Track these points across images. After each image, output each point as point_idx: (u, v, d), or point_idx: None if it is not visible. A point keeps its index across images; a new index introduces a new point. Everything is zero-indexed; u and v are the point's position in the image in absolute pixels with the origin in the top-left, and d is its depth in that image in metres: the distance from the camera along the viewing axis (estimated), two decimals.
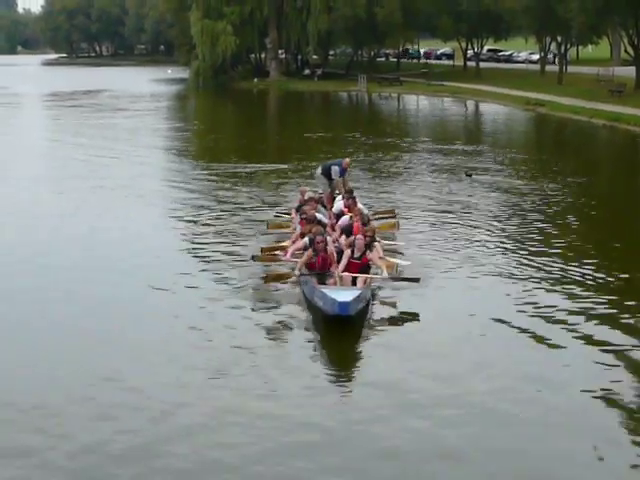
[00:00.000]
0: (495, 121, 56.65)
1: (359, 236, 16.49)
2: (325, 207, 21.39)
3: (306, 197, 21.13)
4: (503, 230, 21.82)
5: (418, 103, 72.39)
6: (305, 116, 64.78)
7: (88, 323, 14.99)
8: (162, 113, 64.13)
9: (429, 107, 68.36)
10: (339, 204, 21.02)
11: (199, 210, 24.78)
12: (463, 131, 51.24)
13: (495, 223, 22.61)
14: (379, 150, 38.78)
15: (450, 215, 23.61)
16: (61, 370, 13.04)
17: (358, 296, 14.65)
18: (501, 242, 20.52)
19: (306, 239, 16.99)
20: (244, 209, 24.66)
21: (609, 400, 11.82)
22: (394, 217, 21.86)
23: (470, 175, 30.50)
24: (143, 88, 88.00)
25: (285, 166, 32.82)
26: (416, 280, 16.23)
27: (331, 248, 16.80)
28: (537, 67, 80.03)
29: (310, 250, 16.60)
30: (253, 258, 17.63)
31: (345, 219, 19.37)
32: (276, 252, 17.97)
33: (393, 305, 16.05)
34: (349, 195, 20.87)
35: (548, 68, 75.25)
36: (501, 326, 14.67)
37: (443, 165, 33.68)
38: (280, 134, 50.35)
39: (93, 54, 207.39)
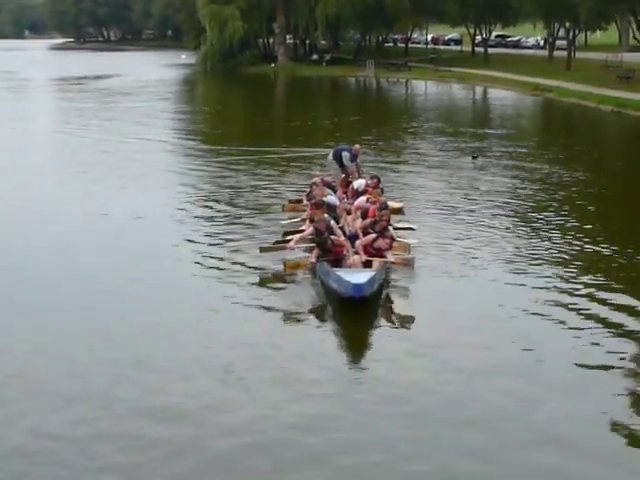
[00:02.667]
0: (503, 106, 56.72)
1: (387, 240, 16.72)
2: (334, 190, 21.65)
3: (313, 181, 21.48)
4: (512, 214, 22.09)
5: (426, 89, 72.44)
6: (314, 101, 64.91)
7: (106, 307, 15.28)
8: (172, 98, 64.21)
9: (437, 93, 68.43)
10: (361, 182, 21.31)
11: (214, 195, 24.97)
12: (471, 116, 51.42)
13: (505, 207, 22.88)
14: (388, 135, 39.05)
15: (458, 199, 23.90)
16: (83, 355, 13.36)
17: (372, 278, 14.96)
18: (512, 226, 20.80)
19: (312, 229, 17.26)
20: (258, 194, 24.91)
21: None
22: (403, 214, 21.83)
23: (476, 157, 30.87)
24: (152, 73, 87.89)
25: (296, 151, 32.97)
26: (410, 263, 16.72)
27: (338, 232, 17.15)
28: (545, 53, 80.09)
29: (310, 229, 17.14)
30: (260, 250, 17.84)
31: (362, 200, 19.64)
32: (291, 237, 18.15)
33: (407, 287, 16.37)
34: (374, 177, 21.12)
35: (556, 54, 75.24)
36: (517, 308, 14.90)
37: (451, 150, 33.92)
38: (290, 119, 50.39)
39: (100, 39, 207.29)
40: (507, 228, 20.63)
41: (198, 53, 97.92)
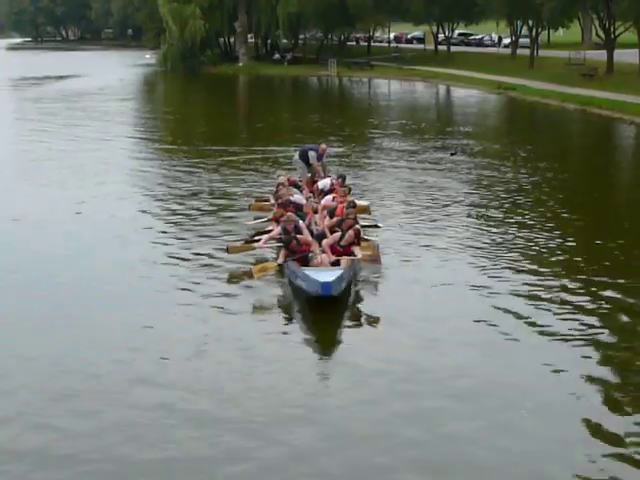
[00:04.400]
0: (466, 105, 56.88)
1: (350, 232, 16.80)
2: (300, 189, 21.74)
3: (279, 181, 21.57)
4: (480, 213, 22.22)
5: (389, 87, 72.54)
6: (276, 101, 64.92)
7: (66, 311, 15.29)
8: (133, 98, 63.94)
9: (400, 91, 68.54)
10: (326, 181, 21.44)
11: (177, 196, 24.93)
12: (435, 115, 51.61)
13: (472, 206, 23.05)
14: (352, 134, 39.18)
15: (425, 198, 24.05)
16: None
17: (340, 276, 15.04)
18: (480, 224, 20.96)
19: (279, 228, 17.37)
20: (223, 195, 24.95)
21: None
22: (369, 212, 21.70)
23: (454, 153, 31.21)
24: (113, 73, 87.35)
25: (260, 151, 33.06)
26: (377, 260, 16.83)
27: (305, 232, 17.27)
28: (508, 51, 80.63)
29: (279, 229, 17.24)
30: (227, 250, 17.86)
31: (329, 199, 19.75)
32: (259, 237, 18.20)
33: (376, 284, 16.54)
34: (340, 176, 21.24)
35: (519, 52, 75.77)
36: (488, 306, 15.10)
37: (416, 149, 34.10)
38: (253, 119, 50.29)
39: (59, 38, 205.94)
40: (475, 226, 20.79)
41: (158, 53, 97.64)
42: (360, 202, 20.80)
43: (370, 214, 21.21)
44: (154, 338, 13.92)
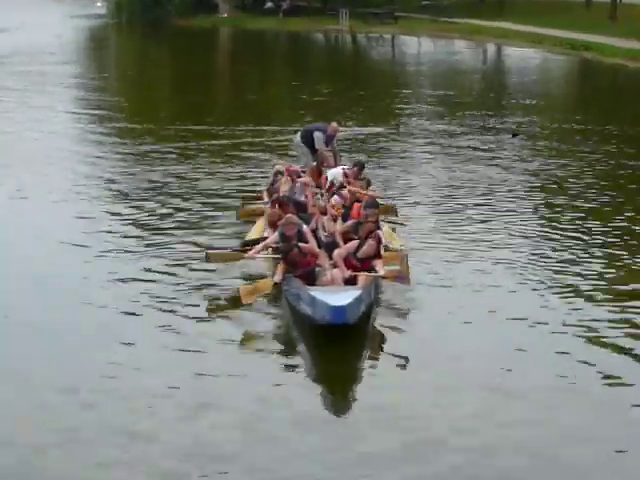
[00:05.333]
0: (525, 71, 56.89)
1: (370, 240, 16.86)
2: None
3: (276, 169, 21.67)
4: (543, 215, 22.53)
5: (419, 48, 72.63)
6: (270, 66, 64.96)
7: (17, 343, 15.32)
8: (78, 61, 64.02)
9: (434, 53, 68.67)
10: (338, 171, 21.59)
11: (141, 192, 25.11)
12: (482, 85, 51.69)
13: (532, 206, 23.31)
14: (372, 110, 39.31)
15: (470, 195, 24.32)
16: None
17: (357, 298, 15.03)
18: (541, 231, 21.17)
19: (276, 234, 17.31)
20: (202, 190, 25.11)
21: None
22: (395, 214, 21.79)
23: (516, 135, 31.42)
24: (50, 27, 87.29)
25: (247, 133, 33.22)
26: (405, 277, 16.93)
27: (311, 240, 17.27)
28: None
29: (275, 235, 17.27)
30: (207, 257, 17.94)
31: (342, 195, 19.84)
32: (250, 247, 18.24)
33: (403, 309, 16.64)
34: (356, 164, 21.36)
35: None
36: (528, 333, 15.30)
37: (456, 130, 34.36)
38: (239, 90, 50.41)
39: None
40: (539, 236, 20.93)
41: (110, 1, 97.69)
42: (382, 200, 20.90)
43: (397, 216, 21.39)
44: (119, 382, 13.89)
